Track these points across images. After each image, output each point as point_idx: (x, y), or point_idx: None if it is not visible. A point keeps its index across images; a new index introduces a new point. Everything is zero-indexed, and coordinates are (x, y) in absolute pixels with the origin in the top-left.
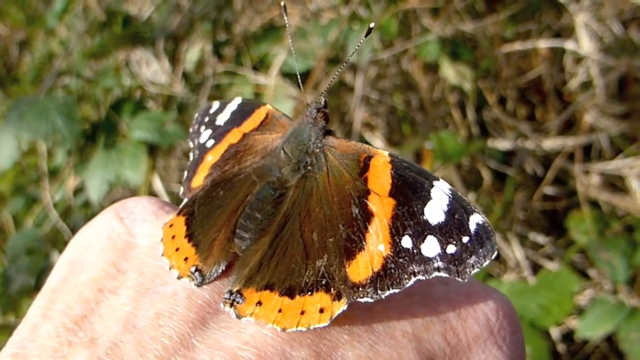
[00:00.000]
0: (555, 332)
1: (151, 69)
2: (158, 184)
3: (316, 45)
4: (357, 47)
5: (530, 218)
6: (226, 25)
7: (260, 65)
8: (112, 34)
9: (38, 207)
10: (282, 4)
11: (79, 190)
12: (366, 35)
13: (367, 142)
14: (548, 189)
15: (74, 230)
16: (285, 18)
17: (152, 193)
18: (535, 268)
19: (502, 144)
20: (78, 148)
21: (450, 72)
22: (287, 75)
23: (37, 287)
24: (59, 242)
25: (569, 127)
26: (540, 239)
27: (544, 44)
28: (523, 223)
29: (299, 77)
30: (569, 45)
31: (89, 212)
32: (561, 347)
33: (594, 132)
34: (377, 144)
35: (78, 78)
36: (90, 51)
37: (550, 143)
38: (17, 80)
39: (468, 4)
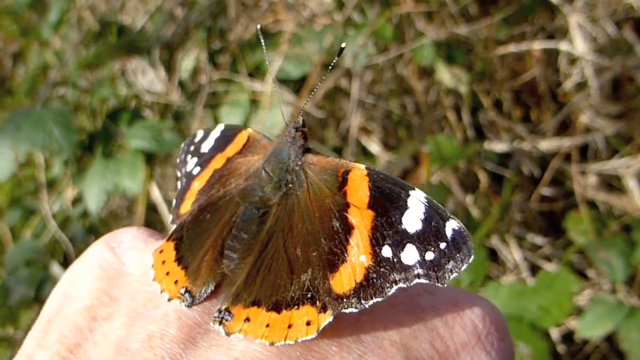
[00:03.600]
0: (555, 333)
1: (147, 78)
2: (156, 193)
3: (311, 51)
4: (333, 63)
5: (528, 219)
6: (221, 33)
7: (256, 72)
8: (107, 44)
9: (36, 219)
10: (258, 26)
11: (77, 201)
12: (338, 55)
13: (363, 147)
14: (545, 190)
15: (72, 240)
16: (262, 41)
17: (150, 202)
18: (534, 269)
19: (499, 146)
20: (75, 158)
21: (445, 75)
22: (283, 81)
23: (37, 298)
24: (57, 253)
25: (564, 128)
26: (539, 240)
27: (538, 45)
28: (521, 224)
29: (276, 85)
30: (563, 46)
31: (87, 222)
32: (561, 348)
33: (589, 132)
34: (374, 148)
35: (74, 88)
36: (86, 61)
37: (546, 144)
38: (11, 93)
39: (462, 7)
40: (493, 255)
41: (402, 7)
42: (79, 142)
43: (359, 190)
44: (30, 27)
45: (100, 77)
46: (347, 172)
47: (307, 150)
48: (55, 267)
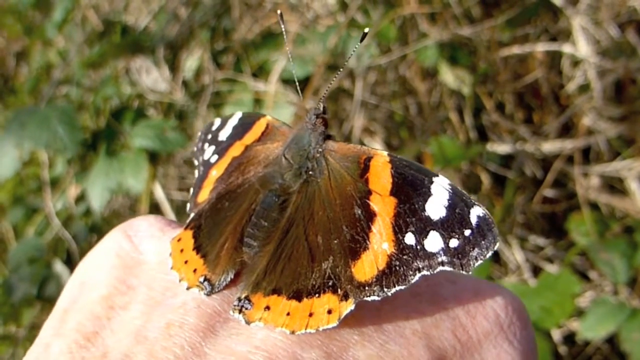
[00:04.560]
0: (556, 334)
1: (151, 77)
2: (159, 192)
3: (315, 52)
4: (353, 51)
5: (530, 221)
6: (225, 33)
7: (260, 72)
8: (111, 43)
9: (39, 217)
10: (279, 12)
11: (80, 199)
12: (361, 40)
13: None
14: (547, 192)
15: (75, 238)
16: (282, 26)
17: (153, 201)
18: (536, 271)
19: (501, 148)
20: (79, 157)
21: (448, 76)
22: (287, 81)
23: (39, 296)
24: (60, 251)
25: (567, 130)
26: (541, 241)
27: (541, 47)
28: (523, 226)
29: (297, 83)
30: (566, 48)
31: (90, 220)
32: (563, 349)
33: (592, 134)
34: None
35: (77, 87)
36: (90, 60)
37: (549, 146)
38: (15, 92)
39: (465, 9)
40: (495, 256)
41: (406, 9)
42: (82, 140)
43: (381, 177)
44: (34, 26)
45: (104, 76)
46: (369, 159)
47: (327, 137)
48: (58, 265)
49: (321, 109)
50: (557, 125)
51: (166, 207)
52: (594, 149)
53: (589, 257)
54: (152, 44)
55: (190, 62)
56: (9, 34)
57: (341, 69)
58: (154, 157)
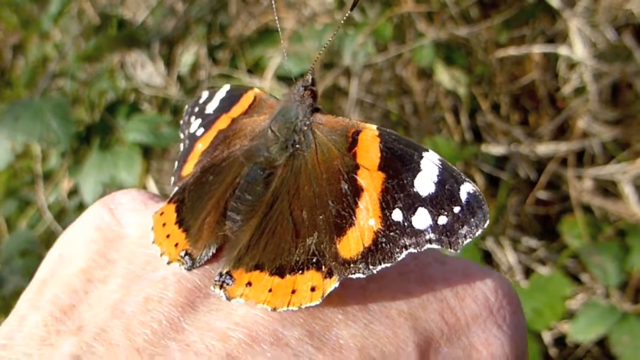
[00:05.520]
0: (547, 336)
1: (146, 72)
2: (152, 186)
3: (311, 49)
4: (344, 18)
5: (523, 222)
6: (221, 28)
7: (255, 69)
8: (107, 37)
9: (32, 210)
10: None
11: (73, 192)
12: (352, 9)
13: None
14: (541, 194)
15: None
16: (273, 5)
17: None
18: (528, 272)
19: (496, 149)
20: (72, 150)
21: (444, 76)
22: (283, 78)
23: None
24: (52, 244)
25: (562, 132)
26: (533, 243)
27: (537, 49)
28: (516, 227)
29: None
30: (562, 50)
31: None
32: (553, 351)
33: (586, 137)
34: None
35: (73, 81)
36: (85, 54)
37: (543, 148)
38: (11, 84)
39: (463, 9)
40: (487, 257)
41: (403, 7)
42: (76, 134)
43: (369, 151)
44: (31, 19)
45: (99, 70)
46: (357, 133)
47: (316, 110)
48: None
49: (310, 80)
50: (552, 128)
51: None
52: (588, 151)
53: (581, 259)
54: (148, 38)
55: (186, 57)
56: (6, 26)
57: (332, 38)
58: (147, 152)
